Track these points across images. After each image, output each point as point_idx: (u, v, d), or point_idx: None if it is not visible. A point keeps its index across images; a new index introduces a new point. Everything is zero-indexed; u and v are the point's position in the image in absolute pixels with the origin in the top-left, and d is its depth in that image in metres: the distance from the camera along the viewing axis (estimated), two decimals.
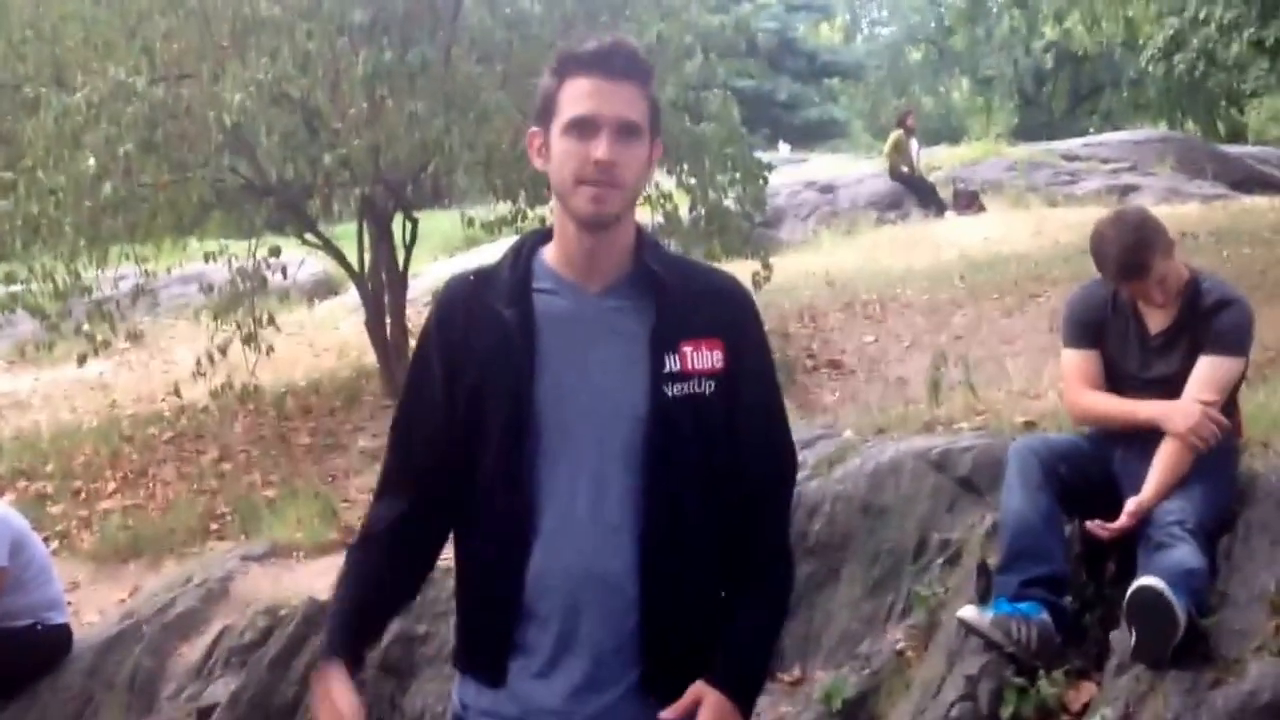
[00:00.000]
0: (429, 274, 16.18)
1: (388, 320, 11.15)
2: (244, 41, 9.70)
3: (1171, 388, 4.44)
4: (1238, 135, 28.81)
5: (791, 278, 13.26)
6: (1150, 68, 17.50)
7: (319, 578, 6.52)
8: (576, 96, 2.40)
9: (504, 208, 11.28)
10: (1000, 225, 16.88)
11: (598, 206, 2.40)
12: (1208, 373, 4.41)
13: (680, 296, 2.48)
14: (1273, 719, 3.63)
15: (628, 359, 2.45)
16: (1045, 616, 4.21)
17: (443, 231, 18.35)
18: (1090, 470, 4.50)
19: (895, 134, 20.45)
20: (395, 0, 9.75)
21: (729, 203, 11.50)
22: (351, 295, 13.69)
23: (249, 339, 10.76)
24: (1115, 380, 4.62)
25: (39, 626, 6.34)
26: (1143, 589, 3.91)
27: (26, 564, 6.26)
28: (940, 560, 4.92)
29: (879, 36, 38.75)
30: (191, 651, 6.33)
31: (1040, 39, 20.24)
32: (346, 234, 12.06)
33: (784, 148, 29.17)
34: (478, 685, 2.53)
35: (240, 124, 9.23)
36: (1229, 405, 4.60)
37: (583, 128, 2.39)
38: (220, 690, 5.98)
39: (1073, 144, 23.41)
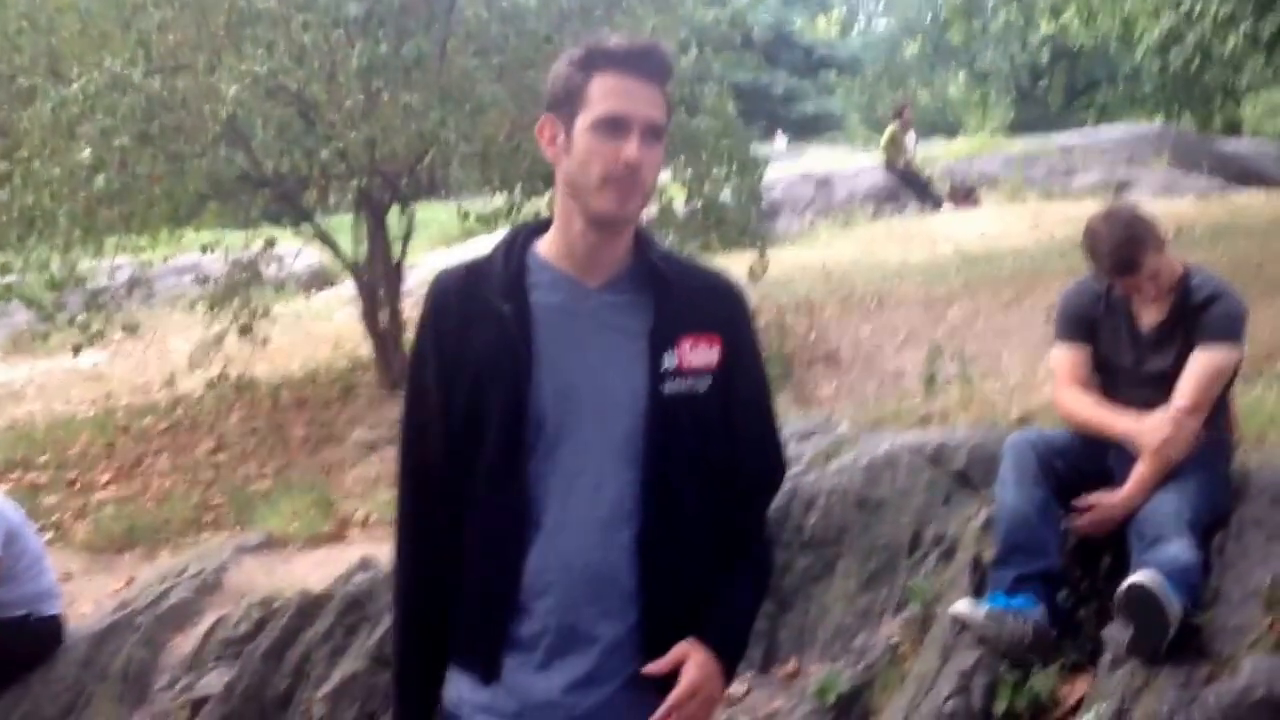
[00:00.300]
0: (425, 265, 16.17)
1: (383, 311, 11.14)
2: (239, 33, 9.68)
3: (1166, 382, 4.45)
4: (1234, 130, 28.78)
5: (788, 270, 13.25)
6: (1146, 62, 17.45)
7: (313, 569, 6.53)
8: (608, 94, 2.37)
9: (499, 200, 11.27)
10: (996, 219, 16.87)
11: (620, 208, 2.40)
12: (1201, 366, 4.41)
13: (679, 293, 2.48)
14: (1266, 715, 3.63)
15: (626, 354, 2.46)
16: (1040, 611, 4.21)
17: (439, 223, 18.34)
18: (1085, 465, 4.50)
19: (892, 127, 20.42)
20: None
21: (725, 196, 11.50)
22: (347, 286, 13.69)
23: (244, 330, 10.77)
24: (1110, 375, 4.63)
25: (32, 617, 6.32)
26: (1137, 584, 3.91)
27: (20, 554, 6.25)
28: (935, 554, 4.93)
29: (875, 30, 38.69)
30: (185, 642, 6.32)
31: (1036, 33, 20.16)
32: (342, 225, 12.05)
33: (781, 141, 29.16)
34: (472, 681, 2.52)
35: (236, 116, 9.21)
36: (1223, 401, 4.61)
37: (614, 127, 2.37)
38: (213, 681, 5.97)
39: (1069, 138, 23.37)
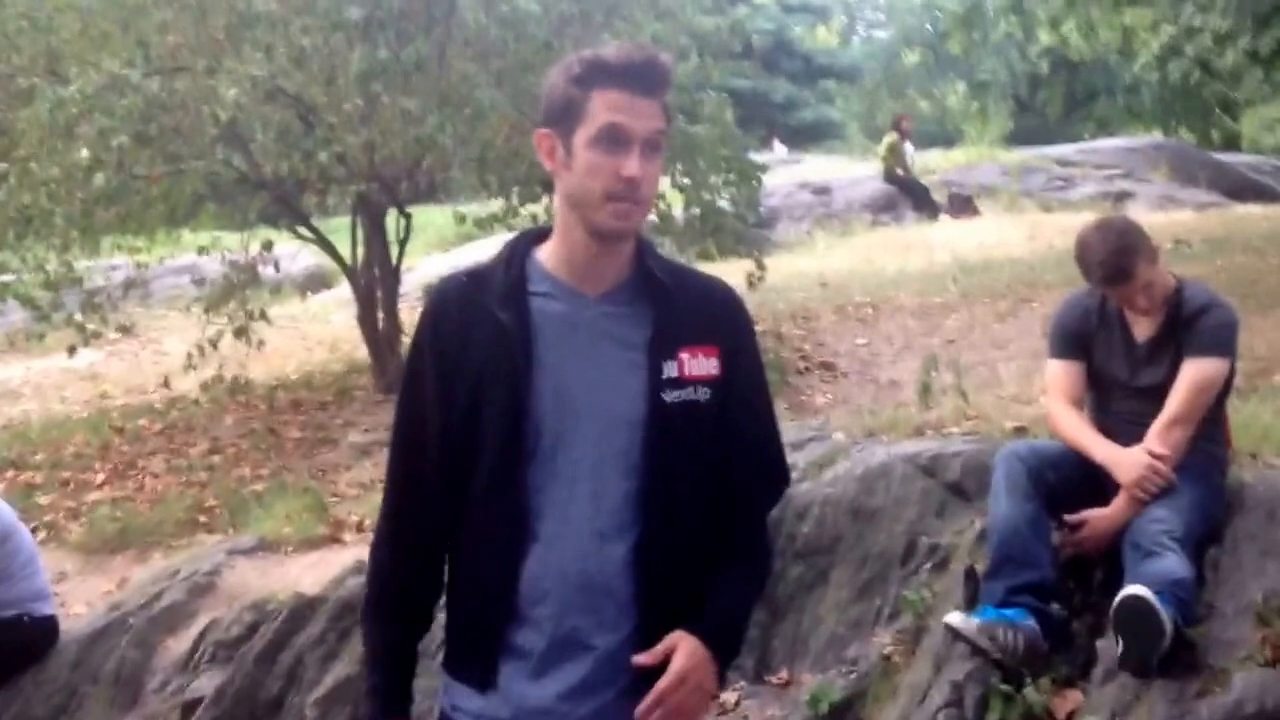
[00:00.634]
0: (421, 269, 16.20)
1: (380, 315, 11.14)
2: (239, 36, 9.69)
3: (1160, 395, 4.46)
4: (1232, 143, 28.86)
5: (785, 279, 13.28)
6: (1145, 75, 17.50)
7: (307, 572, 6.51)
8: (609, 110, 2.36)
9: (496, 204, 11.28)
10: (994, 230, 16.90)
11: (623, 222, 2.40)
12: (1189, 377, 4.42)
13: (679, 303, 2.48)
14: None
15: (625, 364, 2.45)
16: (1032, 623, 4.21)
17: (436, 226, 18.36)
18: (1076, 477, 4.50)
19: (890, 137, 20.45)
20: None
21: (723, 203, 11.51)
22: (344, 289, 13.70)
23: (240, 332, 10.76)
24: (1104, 389, 4.65)
25: (26, 618, 6.31)
26: (1130, 598, 3.91)
27: (13, 554, 6.24)
28: (928, 565, 4.92)
29: (875, 39, 38.72)
30: (177, 645, 6.31)
31: (1036, 44, 20.20)
32: (340, 228, 12.06)
33: (779, 149, 29.17)
34: (467, 690, 2.52)
35: (235, 119, 9.21)
36: (1218, 414, 4.61)
37: (614, 142, 2.36)
38: (205, 684, 5.96)
39: (1067, 149, 23.44)
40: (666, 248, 10.57)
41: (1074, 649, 4.31)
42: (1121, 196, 19.44)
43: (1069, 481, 4.48)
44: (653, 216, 10.77)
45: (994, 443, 5.20)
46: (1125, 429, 4.51)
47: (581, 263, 2.47)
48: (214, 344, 10.48)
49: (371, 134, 9.53)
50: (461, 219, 11.57)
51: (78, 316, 10.42)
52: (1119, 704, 3.93)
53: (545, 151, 2.47)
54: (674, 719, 2.41)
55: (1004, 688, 4.18)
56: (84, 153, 9.10)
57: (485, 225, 11.29)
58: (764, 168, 12.48)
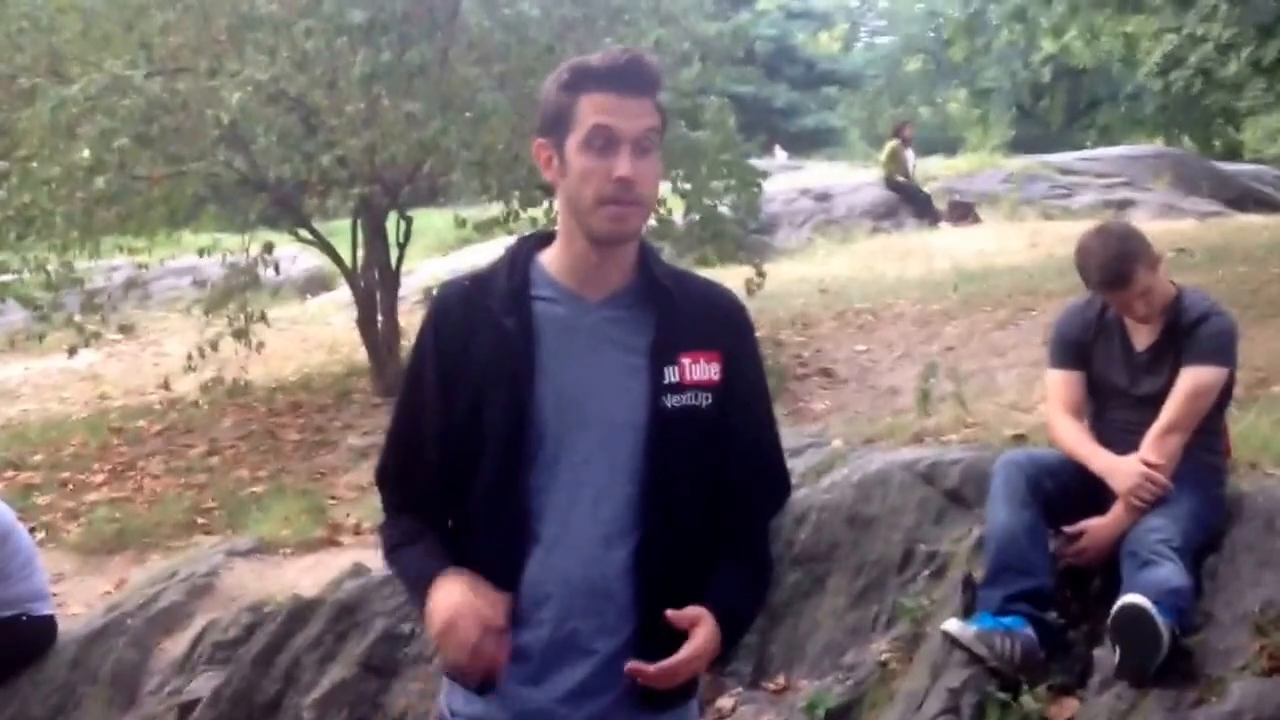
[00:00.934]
0: (422, 272, 16.19)
1: (379, 317, 11.15)
2: (242, 38, 9.70)
3: (1159, 403, 4.47)
4: (1234, 152, 28.85)
5: (785, 284, 13.28)
6: (1148, 83, 17.51)
7: (304, 574, 6.51)
8: (595, 112, 2.36)
9: (496, 208, 11.29)
10: (995, 237, 16.90)
11: (619, 226, 2.40)
12: (1185, 385, 4.43)
13: (681, 308, 2.49)
14: None
15: (627, 369, 2.46)
16: (1029, 631, 4.21)
17: (436, 230, 18.36)
18: (1075, 486, 4.50)
19: (892, 143, 20.46)
20: (394, 1, 9.75)
21: (723, 209, 11.52)
22: (344, 291, 13.69)
23: (240, 334, 10.76)
24: (1104, 397, 4.65)
25: (24, 618, 6.30)
26: (1127, 606, 3.91)
27: (12, 554, 6.23)
28: (926, 572, 4.92)
29: (877, 46, 38.74)
30: (175, 646, 6.30)
31: (1038, 52, 20.22)
32: (340, 230, 12.06)
33: (781, 155, 29.18)
34: (466, 692, 2.52)
35: (237, 121, 9.22)
36: (1217, 423, 4.62)
37: (603, 145, 2.36)
38: (202, 686, 5.95)
39: (1069, 157, 23.42)
40: (666, 253, 10.58)
41: (1071, 657, 4.32)
42: (1123, 205, 19.45)
43: (1067, 490, 4.49)
44: (652, 221, 10.78)
45: (992, 450, 5.20)
46: (1124, 437, 4.51)
47: (583, 268, 2.48)
48: (213, 345, 10.48)
49: (373, 137, 9.53)
50: (461, 222, 11.58)
51: (77, 317, 10.42)
52: (1115, 712, 3.93)
53: (543, 161, 2.48)
54: (662, 684, 2.41)
55: (1001, 695, 4.18)
56: (85, 153, 9.11)
57: (485, 229, 11.30)
58: (764, 174, 12.48)
